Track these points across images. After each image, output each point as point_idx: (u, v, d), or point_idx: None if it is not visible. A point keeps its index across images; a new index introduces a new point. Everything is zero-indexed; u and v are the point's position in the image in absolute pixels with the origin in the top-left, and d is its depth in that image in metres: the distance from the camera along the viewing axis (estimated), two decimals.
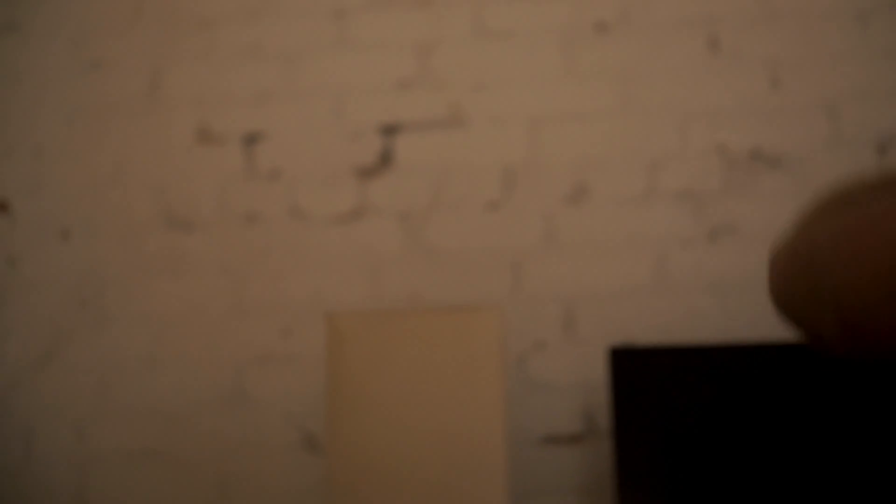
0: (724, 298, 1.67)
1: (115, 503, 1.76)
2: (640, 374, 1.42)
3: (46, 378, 1.82)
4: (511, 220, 1.74)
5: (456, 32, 1.80)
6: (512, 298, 1.73)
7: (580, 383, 1.67)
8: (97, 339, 1.82)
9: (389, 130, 1.79)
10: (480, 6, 1.80)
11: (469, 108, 1.78)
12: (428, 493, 1.25)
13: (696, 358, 1.44)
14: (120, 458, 1.77)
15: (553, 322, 1.71)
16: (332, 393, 1.27)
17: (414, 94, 1.79)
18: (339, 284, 1.77)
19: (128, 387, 1.80)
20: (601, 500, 1.61)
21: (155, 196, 1.84)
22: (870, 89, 1.67)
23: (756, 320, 1.66)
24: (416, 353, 1.26)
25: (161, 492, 1.75)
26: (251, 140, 1.82)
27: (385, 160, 1.78)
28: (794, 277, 0.90)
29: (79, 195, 1.87)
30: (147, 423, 1.78)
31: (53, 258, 1.86)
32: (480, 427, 1.26)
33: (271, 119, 1.82)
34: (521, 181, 1.74)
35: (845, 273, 0.80)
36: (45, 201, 1.87)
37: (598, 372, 1.67)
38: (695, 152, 1.71)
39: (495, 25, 1.79)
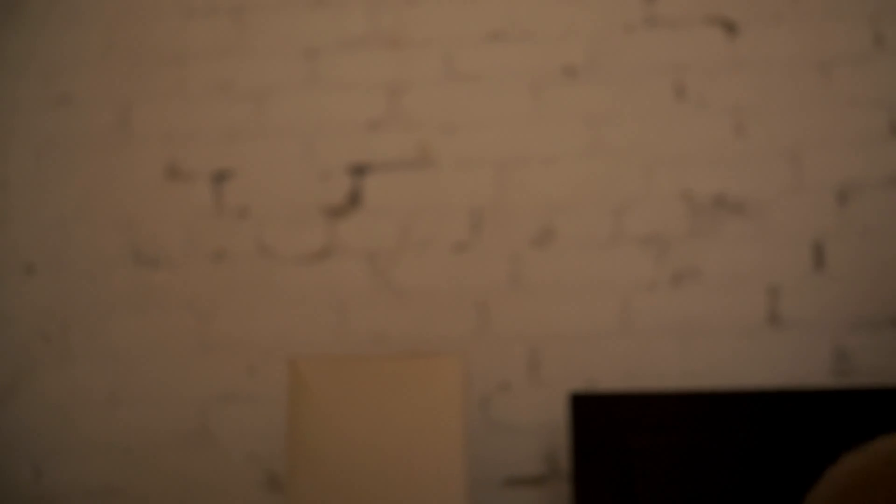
0: (688, 343, 1.68)
1: None
2: (600, 419, 1.43)
3: (6, 413, 1.80)
4: (478, 262, 1.75)
5: (427, 74, 1.82)
6: (477, 339, 1.73)
7: (543, 425, 1.67)
8: (60, 375, 1.81)
9: (359, 170, 1.80)
10: (451, 49, 1.82)
11: (438, 149, 1.79)
12: None
13: (655, 404, 1.45)
14: (78, 497, 1.75)
15: (517, 364, 1.71)
16: (292, 436, 1.27)
17: (384, 135, 1.81)
18: (306, 323, 1.76)
19: (90, 423, 1.78)
20: None
21: (122, 232, 1.84)
22: (831, 137, 1.70)
23: (718, 365, 1.68)
24: (377, 399, 1.26)
25: None
26: (220, 177, 1.83)
27: (354, 200, 1.79)
28: None
29: (45, 230, 1.86)
30: (108, 460, 1.76)
31: (18, 293, 1.85)
32: (440, 472, 1.26)
33: (241, 157, 1.83)
34: (489, 222, 1.76)
35: None
36: (10, 235, 1.86)
37: (561, 414, 1.68)
38: (660, 197, 1.73)
39: (465, 68, 1.81)
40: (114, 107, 1.87)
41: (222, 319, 1.79)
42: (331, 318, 1.76)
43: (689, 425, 1.46)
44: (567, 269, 1.73)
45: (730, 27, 1.76)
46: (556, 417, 1.68)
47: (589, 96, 1.77)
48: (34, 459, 1.78)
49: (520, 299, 1.73)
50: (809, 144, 1.71)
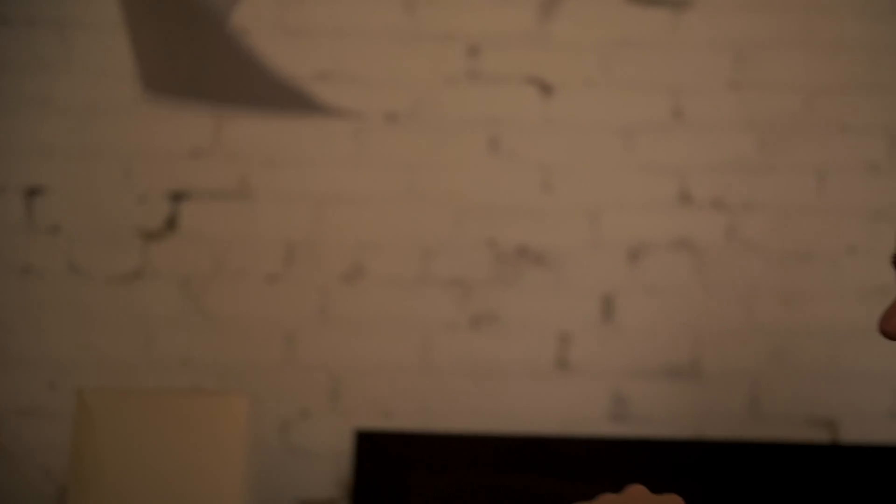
0: (482, 383, 1.79)
1: None
2: (382, 456, 1.51)
3: None
4: (289, 293, 1.81)
5: None
6: (283, 367, 1.79)
7: (338, 453, 1.75)
8: None
9: (177, 197, 1.83)
10: None
11: (258, 182, 1.84)
12: None
13: (436, 445, 1.55)
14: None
15: (319, 393, 1.78)
16: (74, 466, 1.30)
17: (205, 164, 1.84)
18: (113, 344, 1.79)
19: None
20: None
21: None
22: (627, 200, 1.83)
23: (510, 405, 1.79)
24: (163, 433, 1.30)
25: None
26: (32, 193, 1.83)
27: (170, 225, 1.82)
28: None
29: None
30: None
31: None
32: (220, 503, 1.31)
33: (56, 174, 1.83)
34: (302, 257, 1.82)
35: None
36: None
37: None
38: (467, 243, 1.83)
39: None
40: None
41: (26, 335, 1.79)
42: (138, 340, 1.78)
43: (467, 466, 1.56)
44: (373, 306, 1.80)
45: (546, 88, 1.88)
46: (350, 446, 1.76)
47: (408, 143, 1.85)
48: None
49: (326, 332, 1.80)
50: (608, 205, 1.84)
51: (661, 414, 1.80)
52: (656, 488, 1.61)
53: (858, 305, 1.82)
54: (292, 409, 1.77)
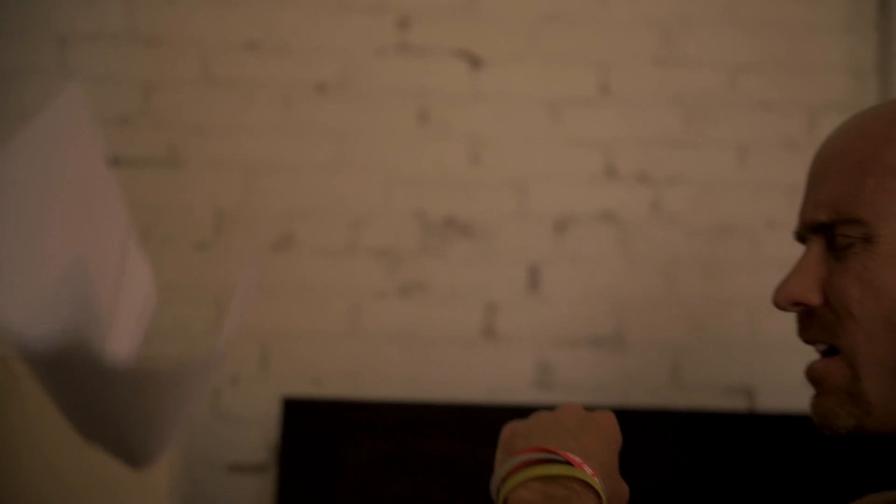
0: (410, 351, 1.82)
1: None
2: (309, 422, 1.54)
3: None
4: (219, 261, 1.82)
5: (181, 75, 1.86)
6: (213, 334, 1.81)
7: (268, 418, 1.77)
8: None
9: (107, 164, 1.83)
10: (207, 53, 1.87)
11: (186, 150, 1.85)
12: None
13: (362, 412, 1.58)
14: None
15: (249, 359, 1.80)
16: (1, 433, 1.31)
17: (134, 131, 1.84)
18: None
19: None
20: None
21: None
22: (554, 172, 1.87)
23: (437, 372, 1.82)
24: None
25: None
26: None
27: None
28: None
29: None
30: None
31: None
32: (148, 473, 1.33)
33: None
34: (231, 224, 1.83)
35: None
36: None
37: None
38: (396, 214, 1.86)
39: (220, 73, 1.87)
40: None
41: None
42: None
43: (395, 433, 1.59)
44: (303, 274, 1.83)
45: (474, 61, 1.90)
46: (279, 413, 1.78)
47: (337, 113, 1.87)
48: None
49: (256, 299, 1.81)
50: (535, 177, 1.87)
51: (585, 382, 1.85)
52: None
53: (776, 278, 1.87)
54: (222, 376, 1.79)
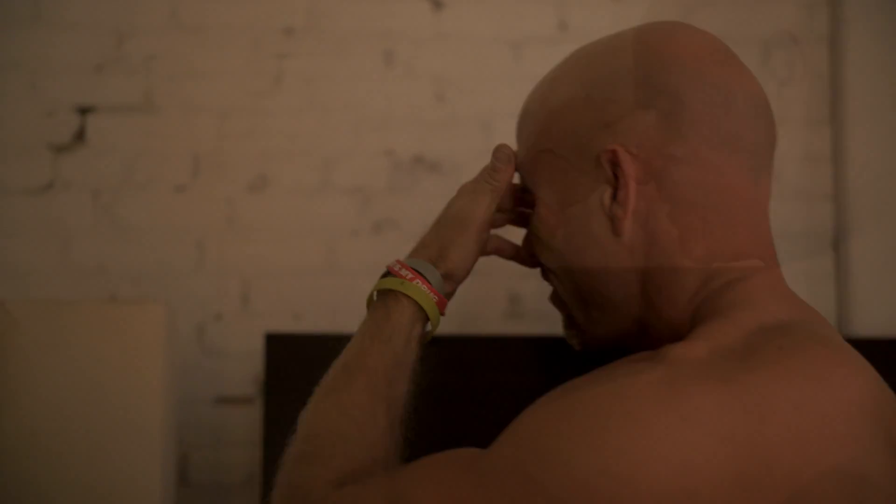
0: None
1: None
2: (291, 356, 1.64)
3: None
4: (197, 203, 1.89)
5: (153, 21, 1.90)
6: (195, 274, 1.89)
7: (251, 353, 1.87)
8: None
9: (84, 110, 1.88)
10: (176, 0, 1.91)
11: (161, 95, 1.90)
12: (91, 460, 1.41)
13: (340, 344, 1.67)
14: None
15: (231, 297, 1.89)
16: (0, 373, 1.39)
17: (109, 78, 1.89)
18: (29, 253, 1.86)
19: None
20: (257, 451, 1.82)
21: None
22: (516, 110, 1.94)
23: None
24: (84, 340, 1.40)
25: None
26: None
27: (79, 138, 1.88)
28: None
29: None
30: None
31: None
32: (142, 404, 1.43)
33: None
34: (208, 167, 1.90)
35: None
36: None
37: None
38: (366, 153, 1.93)
39: (190, 19, 1.91)
40: None
41: None
42: (54, 251, 1.86)
43: None
44: (279, 214, 1.90)
45: (437, 3, 1.96)
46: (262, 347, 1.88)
47: (306, 56, 1.93)
48: None
49: (235, 239, 1.90)
50: (499, 115, 1.95)
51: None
52: (549, 383, 1.76)
53: None
54: (207, 313, 1.88)
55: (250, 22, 1.92)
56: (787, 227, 1.76)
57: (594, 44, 1.03)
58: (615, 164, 0.94)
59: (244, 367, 1.88)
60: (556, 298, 1.10)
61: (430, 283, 1.03)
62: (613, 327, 0.99)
